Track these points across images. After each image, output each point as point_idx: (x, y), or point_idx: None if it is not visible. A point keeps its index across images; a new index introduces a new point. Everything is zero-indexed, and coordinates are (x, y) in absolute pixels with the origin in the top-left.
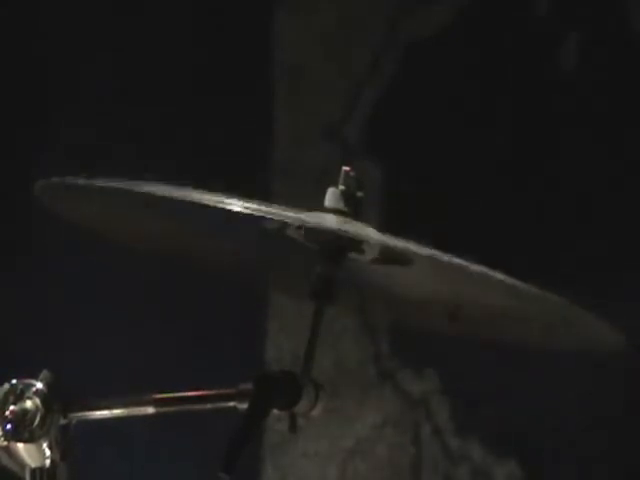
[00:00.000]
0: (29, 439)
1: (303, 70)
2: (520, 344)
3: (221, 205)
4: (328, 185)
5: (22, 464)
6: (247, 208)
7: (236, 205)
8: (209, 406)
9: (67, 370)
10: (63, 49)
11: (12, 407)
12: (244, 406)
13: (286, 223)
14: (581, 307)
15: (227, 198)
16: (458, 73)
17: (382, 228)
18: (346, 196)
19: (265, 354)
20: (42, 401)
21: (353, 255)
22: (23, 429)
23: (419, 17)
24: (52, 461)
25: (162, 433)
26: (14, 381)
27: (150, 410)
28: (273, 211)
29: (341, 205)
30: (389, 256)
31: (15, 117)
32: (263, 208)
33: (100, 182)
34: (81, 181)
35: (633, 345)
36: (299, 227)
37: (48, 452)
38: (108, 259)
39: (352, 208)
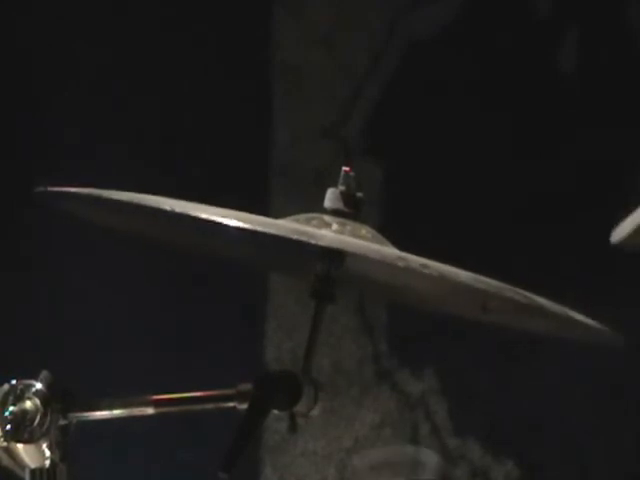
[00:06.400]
0: (29, 439)
1: (303, 70)
2: (541, 334)
3: (219, 221)
4: (328, 185)
5: (22, 464)
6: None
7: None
8: (209, 406)
9: (67, 370)
10: (62, 49)
11: (12, 407)
12: (244, 406)
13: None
14: (578, 314)
15: (224, 217)
16: (458, 73)
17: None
18: (346, 196)
19: (264, 354)
20: (42, 401)
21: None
22: (23, 429)
23: (419, 17)
24: (52, 461)
25: (162, 433)
26: (14, 381)
27: (150, 411)
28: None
29: (340, 205)
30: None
31: (15, 117)
32: (259, 228)
33: (104, 193)
34: (83, 191)
35: (632, 345)
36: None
37: (48, 452)
38: (108, 260)
39: (352, 208)
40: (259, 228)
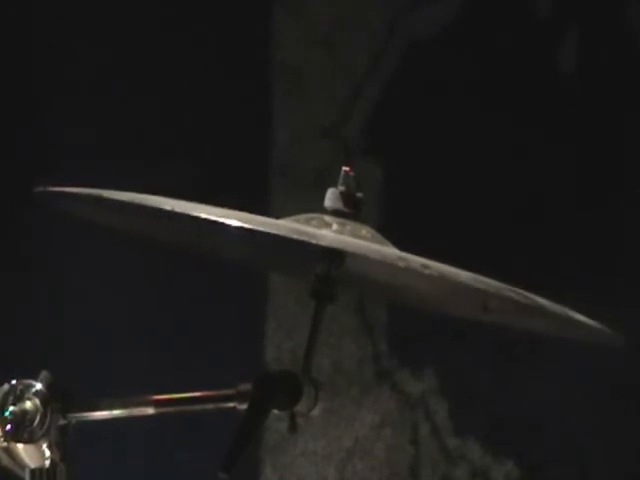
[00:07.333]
0: (29, 439)
1: (303, 70)
2: (541, 334)
3: (219, 220)
4: (328, 185)
5: (22, 464)
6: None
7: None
8: (209, 406)
9: (67, 370)
10: (62, 49)
11: (12, 407)
12: (244, 406)
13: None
14: (578, 314)
15: (225, 217)
16: (458, 73)
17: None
18: (346, 196)
19: (264, 354)
20: (42, 402)
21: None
22: (23, 429)
23: (419, 17)
24: (52, 461)
25: (162, 433)
26: (14, 382)
27: (150, 411)
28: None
29: (340, 205)
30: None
31: (15, 117)
32: (260, 228)
33: (104, 193)
34: (83, 191)
35: (632, 345)
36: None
37: (48, 452)
38: (108, 260)
39: (352, 208)
40: (259, 228)
